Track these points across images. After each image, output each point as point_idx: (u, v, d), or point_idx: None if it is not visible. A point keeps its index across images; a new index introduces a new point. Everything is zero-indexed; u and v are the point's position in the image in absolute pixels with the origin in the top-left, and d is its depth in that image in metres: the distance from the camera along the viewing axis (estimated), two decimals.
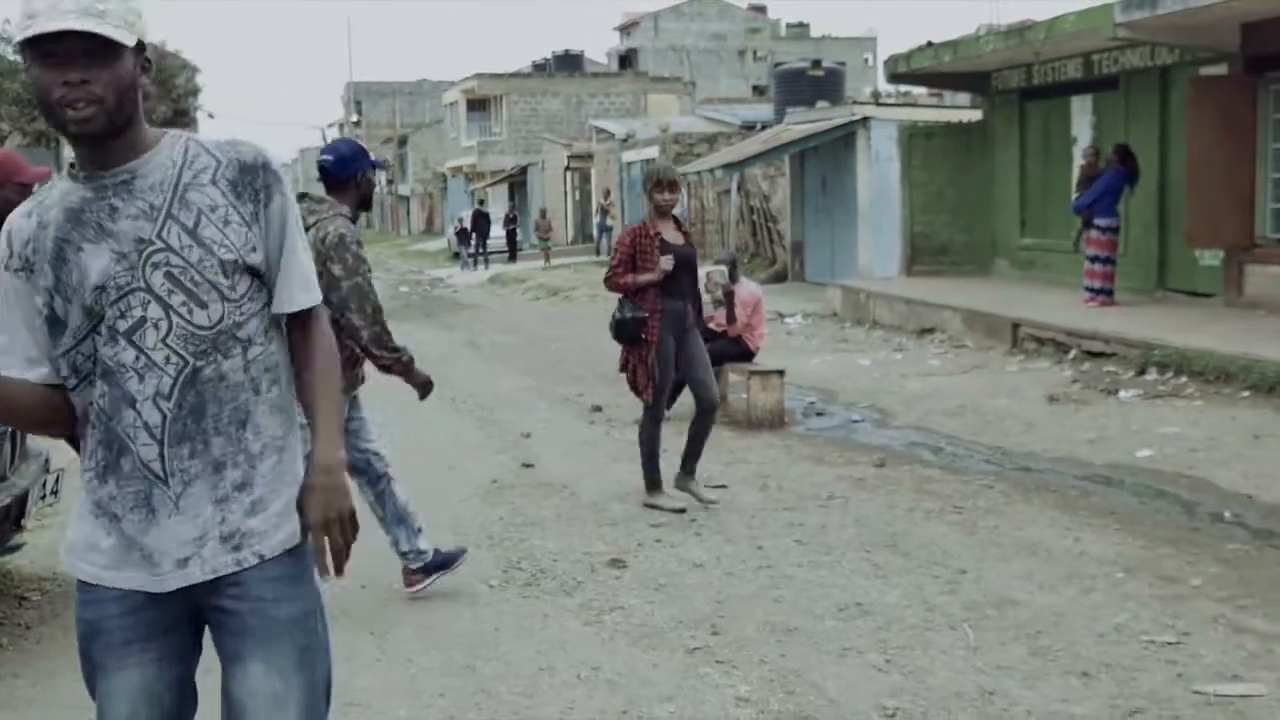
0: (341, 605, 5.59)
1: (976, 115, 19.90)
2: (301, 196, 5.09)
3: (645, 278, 7.00)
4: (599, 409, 10.70)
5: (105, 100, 2.25)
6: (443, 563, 5.73)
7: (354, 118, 76.82)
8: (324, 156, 5.31)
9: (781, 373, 10.07)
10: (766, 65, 57.73)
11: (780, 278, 23.55)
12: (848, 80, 32.81)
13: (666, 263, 6.97)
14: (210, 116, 60.76)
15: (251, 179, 2.39)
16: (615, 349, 7.43)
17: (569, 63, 56.27)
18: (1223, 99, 13.52)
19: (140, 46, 2.31)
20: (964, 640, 4.97)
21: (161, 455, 2.32)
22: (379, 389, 6.13)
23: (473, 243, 36.30)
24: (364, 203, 5.37)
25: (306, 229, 5.03)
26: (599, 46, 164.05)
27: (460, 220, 38.50)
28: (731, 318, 10.22)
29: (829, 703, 4.41)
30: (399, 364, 5.26)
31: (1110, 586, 5.61)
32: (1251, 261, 13.47)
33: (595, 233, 36.02)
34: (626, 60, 71.25)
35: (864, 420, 10.10)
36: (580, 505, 7.43)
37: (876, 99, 27.92)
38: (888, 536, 6.52)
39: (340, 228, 5.12)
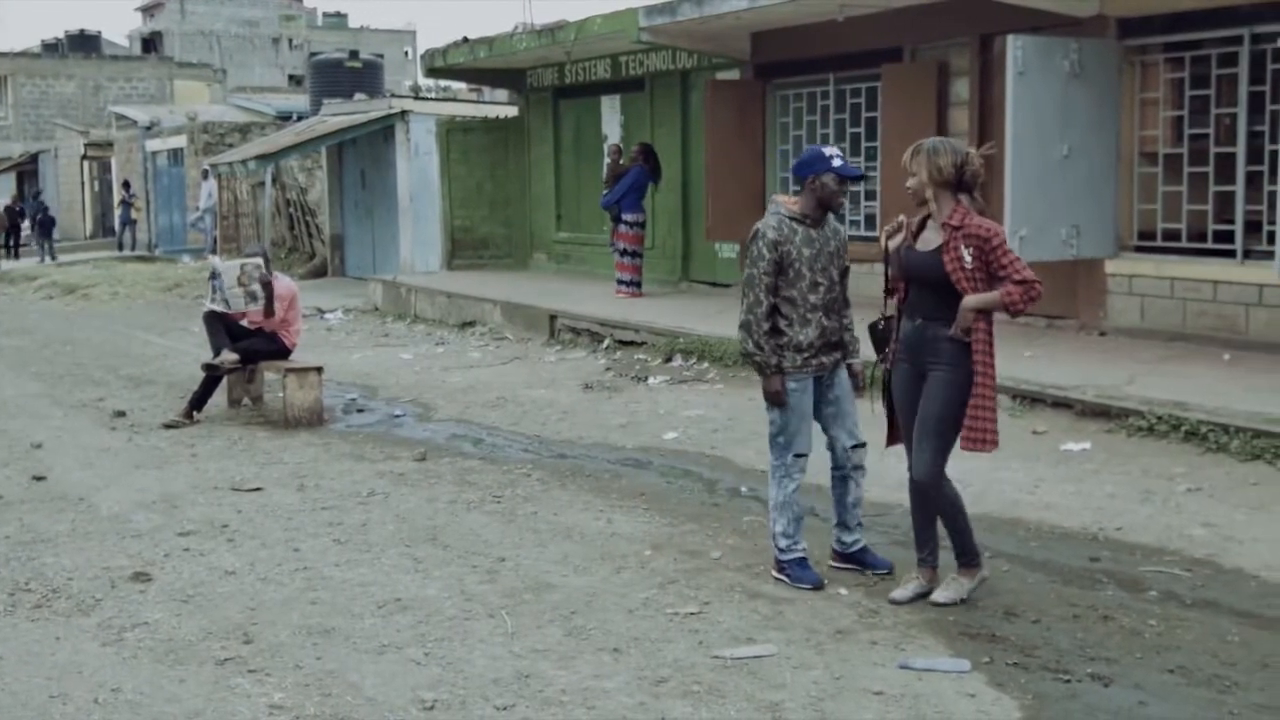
0: None
1: (514, 112, 20.33)
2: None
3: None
4: (122, 414, 10.01)
5: None
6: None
7: None
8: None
9: (319, 369, 9.84)
10: (303, 55, 56.34)
11: (320, 273, 23.04)
12: (387, 73, 32.61)
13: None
14: None
15: None
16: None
17: (84, 43, 52.34)
18: (736, 102, 14.54)
19: None
20: (502, 627, 5.04)
21: None
22: None
23: (23, 232, 31.87)
24: (823, 204, 5.58)
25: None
26: (119, 28, 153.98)
27: (15, 208, 33.58)
28: (270, 311, 9.88)
29: (366, 701, 4.33)
30: (750, 359, 5.70)
31: (639, 564, 5.87)
32: None
33: (117, 226, 33.52)
34: (150, 44, 67.26)
35: (406, 415, 10.05)
36: (99, 518, 6.91)
37: (416, 93, 27.93)
38: (428, 530, 6.51)
39: (763, 223, 5.55)
